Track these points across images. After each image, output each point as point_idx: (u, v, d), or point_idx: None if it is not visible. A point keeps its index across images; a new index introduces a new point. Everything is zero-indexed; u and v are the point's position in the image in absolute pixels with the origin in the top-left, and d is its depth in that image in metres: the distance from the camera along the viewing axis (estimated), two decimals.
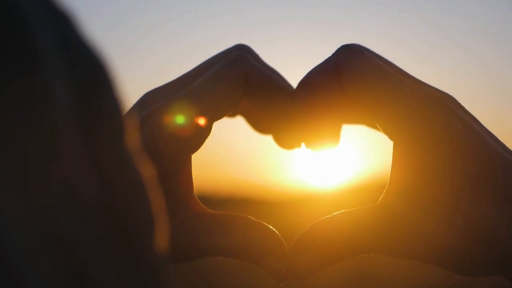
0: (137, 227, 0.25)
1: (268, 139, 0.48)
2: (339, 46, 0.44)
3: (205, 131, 0.43)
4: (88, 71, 0.24)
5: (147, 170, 0.26)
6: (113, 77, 0.25)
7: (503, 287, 0.43)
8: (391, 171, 0.42)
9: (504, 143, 0.42)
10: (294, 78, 0.46)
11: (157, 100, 0.44)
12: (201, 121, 0.43)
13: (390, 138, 0.42)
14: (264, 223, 0.43)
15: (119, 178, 0.24)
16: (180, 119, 0.43)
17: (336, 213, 0.42)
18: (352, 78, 0.42)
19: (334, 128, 0.45)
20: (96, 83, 0.24)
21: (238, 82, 0.43)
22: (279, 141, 0.47)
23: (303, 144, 0.46)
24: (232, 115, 0.48)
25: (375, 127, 0.45)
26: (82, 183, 0.23)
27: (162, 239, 0.26)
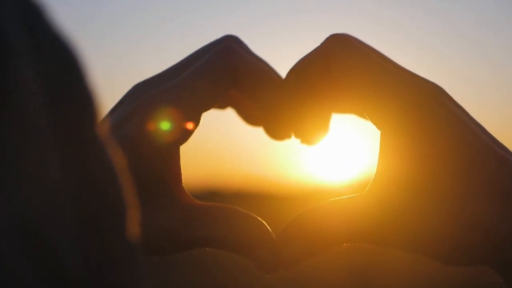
0: (110, 215, 0.25)
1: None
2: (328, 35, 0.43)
3: (193, 122, 0.43)
4: (58, 62, 0.24)
5: (119, 160, 0.26)
6: (85, 67, 0.25)
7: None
8: (378, 161, 0.41)
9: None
10: (284, 69, 0.46)
11: (146, 91, 0.44)
12: (189, 113, 0.43)
13: (378, 127, 0.42)
14: (253, 214, 0.43)
15: (91, 167, 0.24)
16: (167, 110, 0.43)
17: (323, 202, 0.42)
18: (340, 68, 0.42)
19: (323, 117, 0.45)
20: (66, 74, 0.24)
21: (225, 73, 0.43)
22: (270, 132, 0.47)
23: (293, 136, 0.46)
24: (222, 107, 0.48)
25: (364, 117, 0.44)
26: (54, 173, 0.23)
27: (134, 227, 0.26)
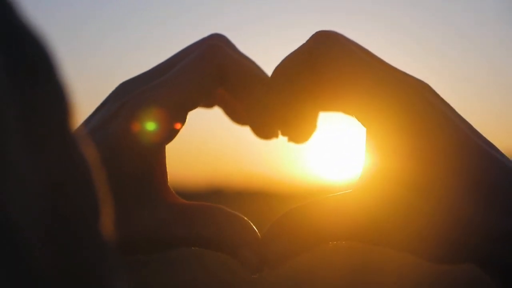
0: (82, 212, 0.24)
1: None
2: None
3: (179, 121, 0.43)
4: (29, 57, 0.24)
5: (92, 156, 0.25)
6: (56, 62, 0.25)
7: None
8: (364, 159, 0.41)
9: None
10: (272, 67, 0.45)
11: (132, 90, 0.44)
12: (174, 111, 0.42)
13: (363, 125, 0.41)
14: (239, 214, 0.43)
15: (63, 164, 0.24)
16: (152, 109, 0.42)
17: (309, 200, 0.42)
18: (326, 65, 0.41)
19: (310, 115, 0.45)
20: (37, 69, 0.24)
21: (211, 71, 0.43)
22: (256, 131, 0.46)
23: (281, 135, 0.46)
24: (209, 105, 0.48)
25: (351, 114, 0.44)
26: (26, 170, 0.23)
27: (108, 224, 0.25)
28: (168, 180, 0.43)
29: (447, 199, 0.39)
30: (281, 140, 0.47)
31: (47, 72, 0.24)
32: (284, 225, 0.41)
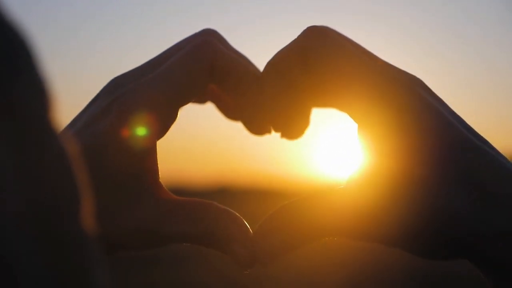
0: (61, 201, 0.24)
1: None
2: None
3: (171, 117, 0.43)
4: (9, 50, 0.24)
5: (72, 149, 0.25)
6: (35, 56, 0.25)
7: None
8: (356, 155, 0.41)
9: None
10: (262, 62, 0.45)
11: (123, 86, 0.44)
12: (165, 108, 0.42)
13: (355, 120, 0.41)
14: (231, 210, 0.43)
15: (41, 158, 0.24)
16: (143, 105, 0.42)
17: (301, 196, 0.41)
18: (316, 60, 0.41)
19: (302, 111, 0.45)
20: (17, 62, 0.24)
21: (202, 67, 0.43)
22: (249, 127, 0.46)
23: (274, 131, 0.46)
24: (201, 101, 0.48)
25: (343, 110, 0.44)
26: (3, 162, 0.22)
27: (87, 216, 0.25)
28: (165, 177, 0.43)
29: (439, 195, 0.39)
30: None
31: (26, 66, 0.24)
32: (276, 221, 0.41)
